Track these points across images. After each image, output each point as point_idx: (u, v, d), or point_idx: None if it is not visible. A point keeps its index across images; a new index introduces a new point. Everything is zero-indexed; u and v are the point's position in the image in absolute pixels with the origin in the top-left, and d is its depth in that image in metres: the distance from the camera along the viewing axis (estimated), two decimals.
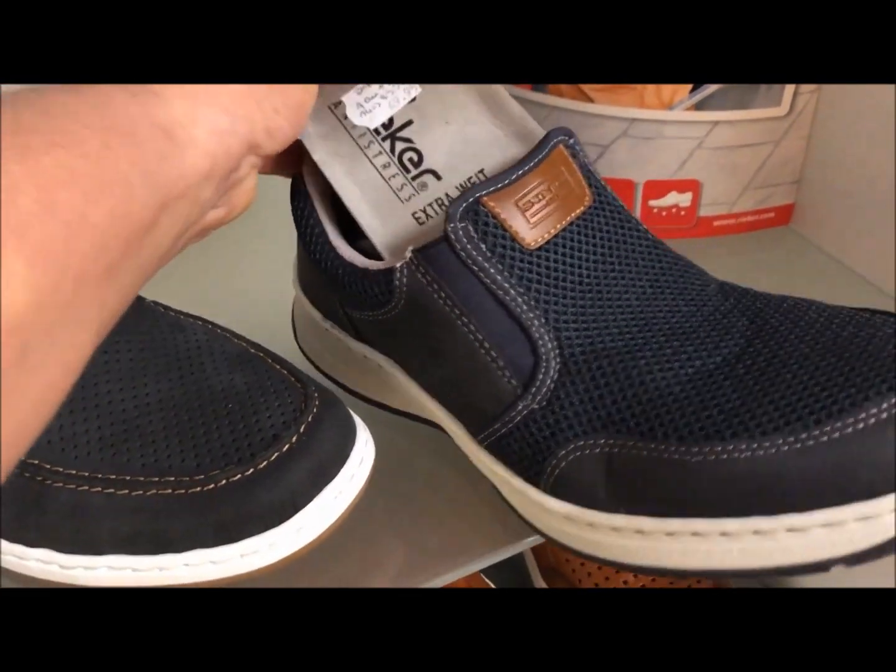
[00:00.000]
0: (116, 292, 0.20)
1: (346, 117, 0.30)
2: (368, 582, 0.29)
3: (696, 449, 0.24)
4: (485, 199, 0.27)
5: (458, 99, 0.31)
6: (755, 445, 0.23)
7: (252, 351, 0.29)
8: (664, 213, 0.43)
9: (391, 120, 0.31)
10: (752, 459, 0.23)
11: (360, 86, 0.30)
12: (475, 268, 0.27)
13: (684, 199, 0.43)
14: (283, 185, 0.32)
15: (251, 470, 0.25)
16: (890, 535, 0.22)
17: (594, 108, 0.41)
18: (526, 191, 0.27)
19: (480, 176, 0.30)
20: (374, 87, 0.30)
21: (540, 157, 0.28)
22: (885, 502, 0.22)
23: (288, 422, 0.26)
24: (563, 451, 0.26)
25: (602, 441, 0.25)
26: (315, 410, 0.27)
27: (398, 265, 0.28)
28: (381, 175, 0.31)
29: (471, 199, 0.27)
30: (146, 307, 0.31)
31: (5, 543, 0.26)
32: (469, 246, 0.27)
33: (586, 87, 0.40)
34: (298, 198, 0.31)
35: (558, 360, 0.26)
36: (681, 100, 0.39)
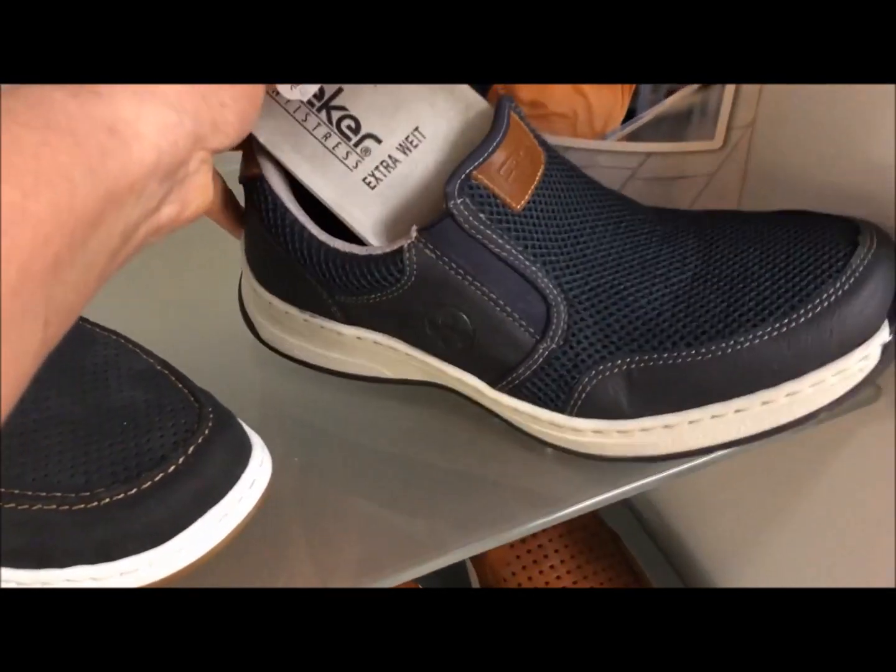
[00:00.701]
0: (64, 288, 0.20)
1: (277, 93, 0.31)
2: (296, 582, 0.30)
3: (704, 349, 0.29)
4: (474, 173, 0.30)
5: None
6: (751, 336, 0.29)
7: (158, 368, 0.30)
8: None
9: (322, 91, 0.32)
10: (752, 348, 0.29)
11: None
12: (479, 237, 0.30)
13: None
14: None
15: (135, 490, 0.26)
16: (858, 379, 0.29)
17: None
18: (503, 160, 0.30)
19: (417, 134, 0.33)
20: None
21: (505, 128, 0.31)
22: (853, 357, 0.29)
23: (178, 442, 0.27)
24: (587, 378, 0.30)
25: (619, 362, 0.30)
26: (206, 432, 0.27)
27: (405, 245, 0.30)
28: (325, 146, 0.32)
29: (463, 176, 0.29)
30: None
31: None
32: (471, 218, 0.29)
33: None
34: (264, 198, 0.32)
35: (564, 303, 0.30)
36: (613, 130, 0.39)
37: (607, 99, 0.38)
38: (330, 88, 0.33)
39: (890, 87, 0.32)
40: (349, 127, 0.33)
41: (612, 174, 0.41)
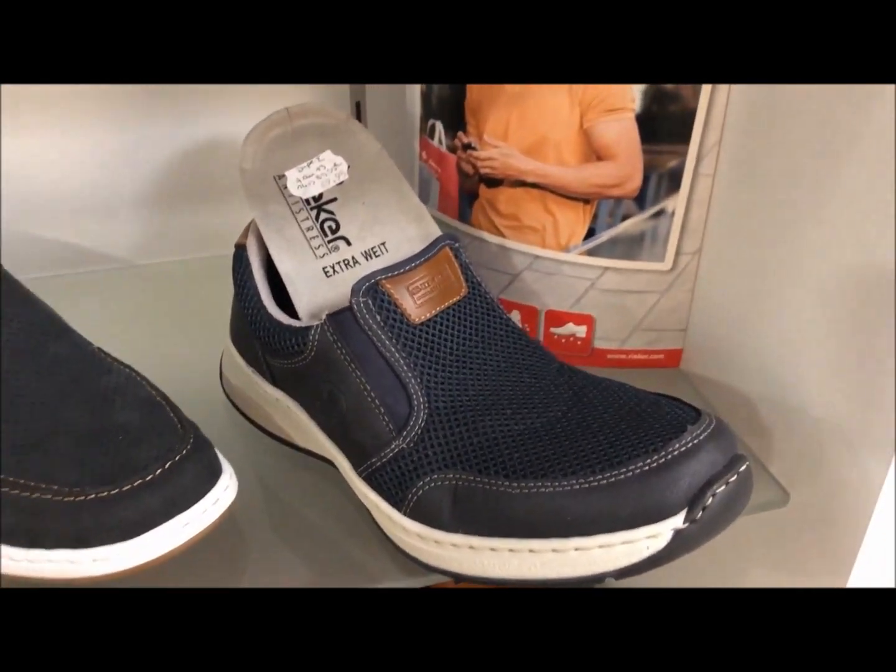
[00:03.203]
0: None
1: (286, 187, 0.40)
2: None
3: (516, 484, 0.31)
4: (383, 281, 0.35)
5: (375, 187, 0.40)
6: (556, 483, 0.31)
7: (157, 399, 0.35)
8: (563, 341, 0.49)
9: (321, 195, 0.40)
10: (553, 494, 0.30)
11: (301, 165, 0.40)
12: (370, 333, 0.34)
13: (580, 331, 0.48)
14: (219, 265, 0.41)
15: (116, 490, 0.31)
16: (644, 556, 0.30)
17: (505, 242, 0.47)
18: (415, 279, 0.36)
19: (382, 248, 0.40)
20: (312, 169, 0.40)
21: (429, 255, 0.36)
22: (641, 532, 0.29)
23: (158, 457, 0.32)
24: (421, 482, 0.33)
25: (451, 475, 0.33)
26: (184, 452, 0.32)
27: (314, 325, 0.35)
28: (304, 235, 0.40)
29: (372, 281, 0.35)
30: (92, 351, 0.37)
31: None
32: (367, 316, 0.34)
33: (500, 224, 0.46)
34: (240, 264, 0.39)
35: (426, 411, 0.34)
36: (575, 244, 0.45)
37: (571, 218, 0.44)
38: (327, 195, 0.40)
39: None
40: (329, 227, 0.40)
41: (574, 283, 0.47)
